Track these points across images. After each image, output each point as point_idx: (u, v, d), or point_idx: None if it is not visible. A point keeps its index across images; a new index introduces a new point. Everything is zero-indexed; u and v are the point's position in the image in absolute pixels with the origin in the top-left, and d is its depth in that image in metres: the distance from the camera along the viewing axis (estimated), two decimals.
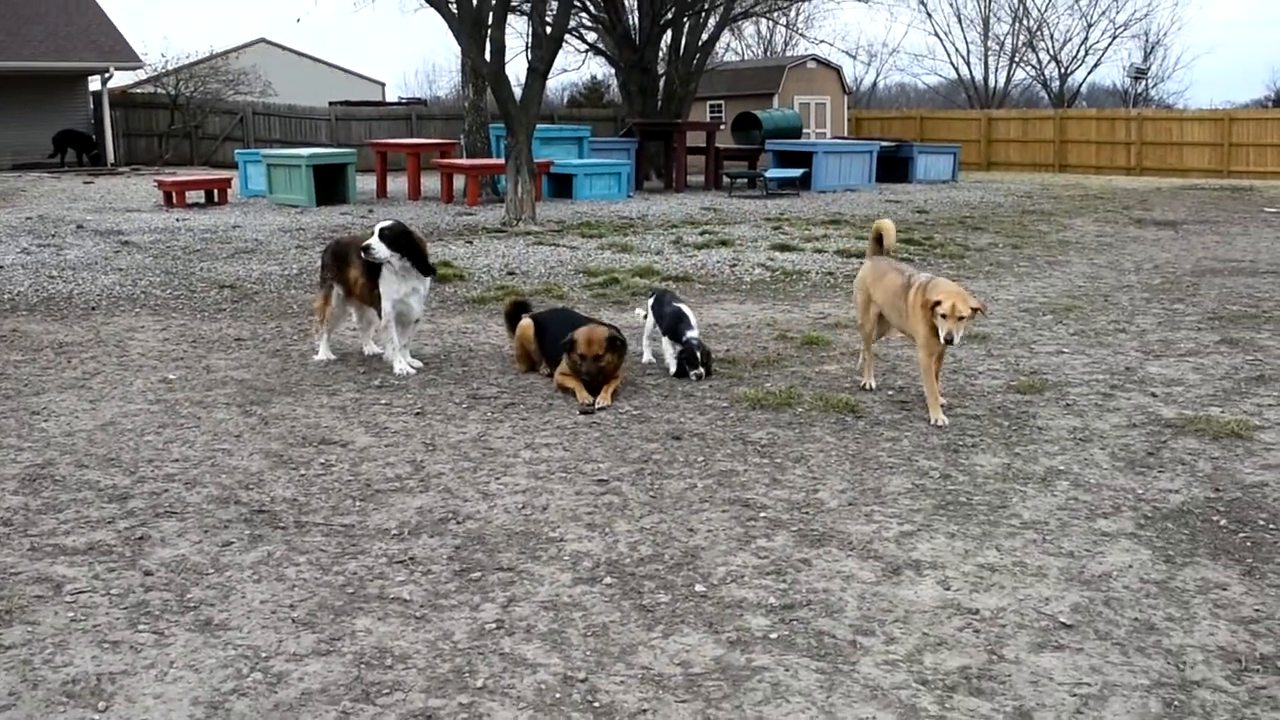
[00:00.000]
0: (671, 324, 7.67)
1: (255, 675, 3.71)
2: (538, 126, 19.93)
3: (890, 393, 7.14)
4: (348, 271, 7.91)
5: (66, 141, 30.75)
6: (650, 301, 7.99)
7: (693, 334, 7.56)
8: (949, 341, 6.14)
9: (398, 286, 7.60)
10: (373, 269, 7.65)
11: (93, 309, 9.94)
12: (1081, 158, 34.15)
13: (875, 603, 4.20)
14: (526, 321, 7.75)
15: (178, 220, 16.49)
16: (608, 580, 4.41)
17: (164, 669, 3.74)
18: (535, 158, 19.11)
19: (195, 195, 19.27)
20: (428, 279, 7.77)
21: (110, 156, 32.21)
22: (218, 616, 4.12)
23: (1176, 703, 3.49)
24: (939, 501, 5.23)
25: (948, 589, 4.31)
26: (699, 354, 7.49)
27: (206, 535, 4.89)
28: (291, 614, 4.13)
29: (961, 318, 6.12)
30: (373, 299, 7.79)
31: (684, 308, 7.81)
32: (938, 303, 6.15)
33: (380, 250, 7.42)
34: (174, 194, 18.75)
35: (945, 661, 3.76)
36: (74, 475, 5.66)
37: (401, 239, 7.53)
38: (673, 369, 7.60)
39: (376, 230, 7.53)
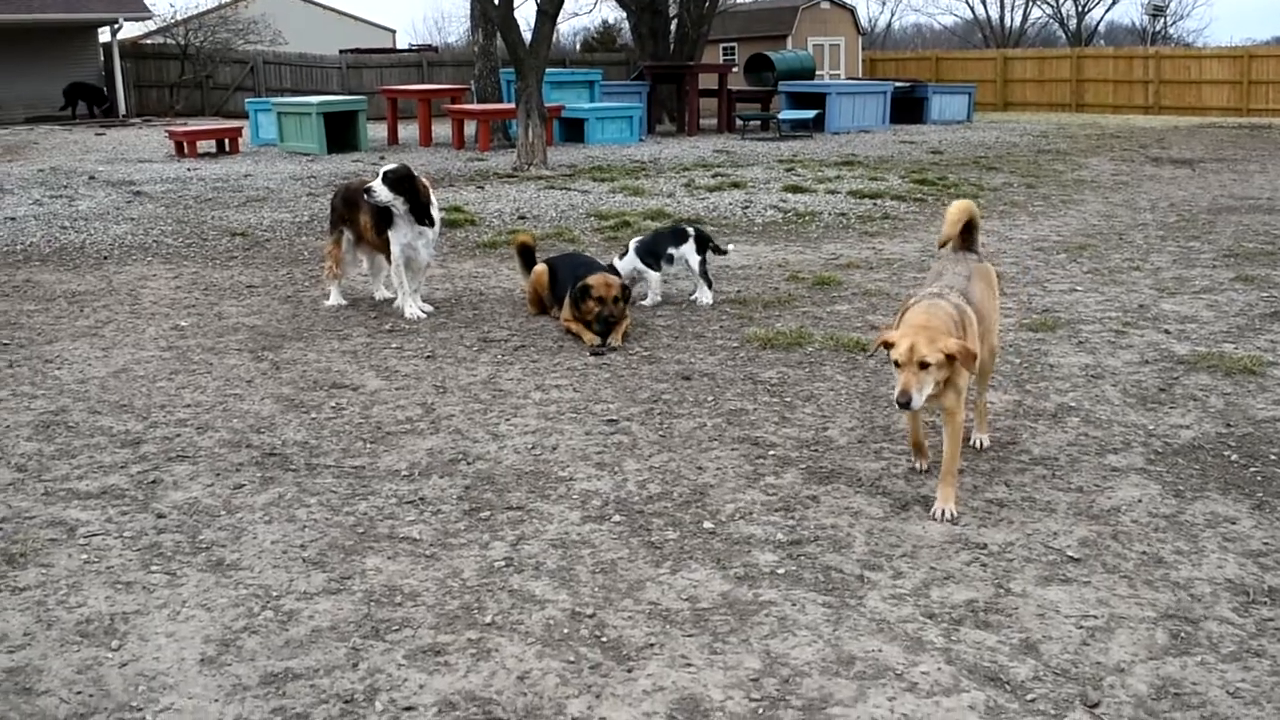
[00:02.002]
0: (651, 246, 7.95)
1: (266, 614, 3.74)
2: (548, 71, 19.78)
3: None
4: (358, 216, 7.89)
5: (77, 94, 30.66)
6: (634, 244, 8.05)
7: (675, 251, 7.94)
8: (903, 404, 4.10)
9: (405, 231, 7.58)
10: (382, 214, 7.63)
11: (105, 258, 9.96)
12: (1099, 97, 33.76)
13: (883, 538, 4.21)
14: (540, 266, 7.74)
15: (189, 170, 16.46)
16: (616, 518, 4.43)
17: (176, 608, 3.78)
18: (546, 102, 18.98)
19: (206, 145, 19.22)
20: (436, 224, 7.74)
21: (122, 108, 32.13)
22: (229, 557, 4.16)
23: (1183, 634, 3.49)
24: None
25: (955, 524, 4.31)
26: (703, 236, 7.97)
27: (218, 478, 4.92)
28: (302, 554, 4.16)
29: (926, 365, 4.06)
30: (382, 244, 7.77)
31: (632, 242, 8.15)
32: (891, 344, 4.21)
33: (382, 193, 7.39)
34: (185, 144, 18.71)
35: (952, 595, 3.76)
36: (87, 421, 5.69)
37: (404, 182, 7.50)
38: (652, 300, 7.99)
39: (380, 173, 7.50)
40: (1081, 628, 3.54)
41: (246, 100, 23.17)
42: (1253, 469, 4.83)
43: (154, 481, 4.89)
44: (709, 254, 7.93)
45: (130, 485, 4.86)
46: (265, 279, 9.08)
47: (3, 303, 8.33)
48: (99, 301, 8.32)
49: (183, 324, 7.62)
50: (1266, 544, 4.11)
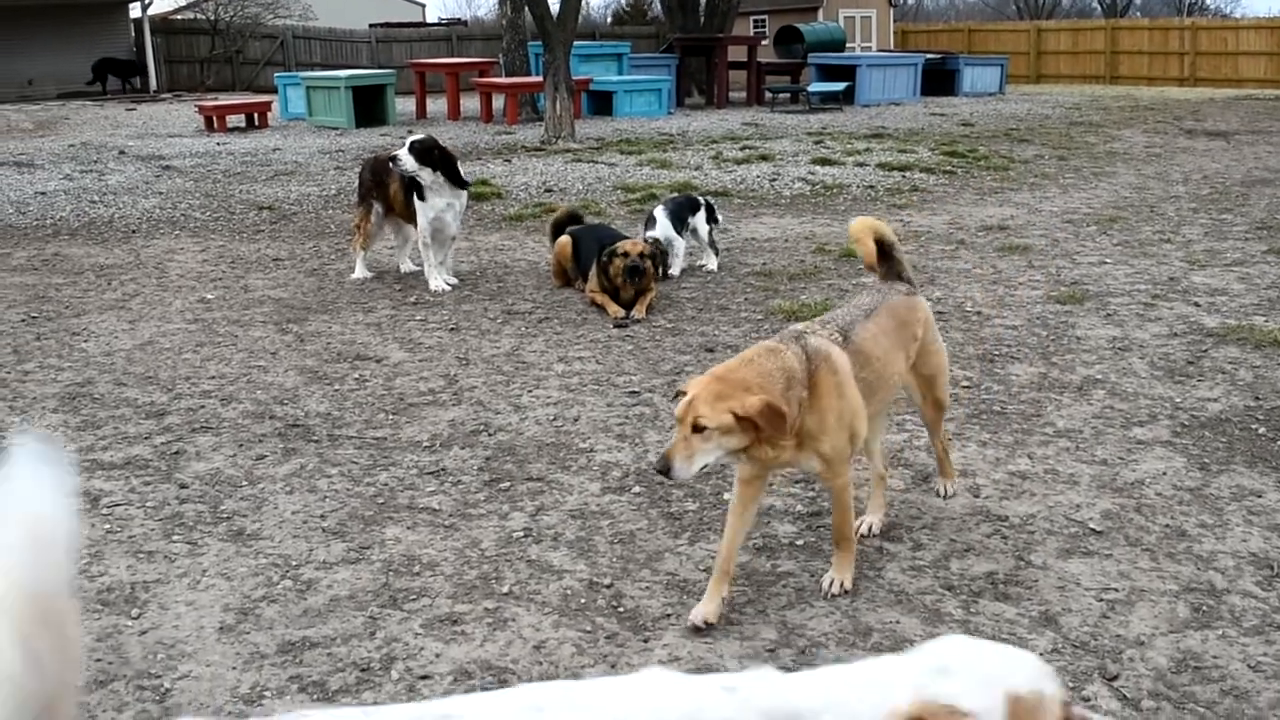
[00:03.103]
0: (677, 213, 8.08)
1: (285, 583, 3.76)
2: (577, 44, 19.69)
3: (928, 304, 7.03)
4: (388, 188, 7.90)
5: (106, 69, 30.78)
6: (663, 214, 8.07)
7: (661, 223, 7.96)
8: (659, 470, 3.22)
9: (434, 202, 7.57)
10: (411, 185, 7.63)
11: (133, 232, 10.01)
12: (1133, 69, 33.32)
13: (904, 510, 4.18)
14: (564, 238, 7.72)
15: (218, 144, 16.52)
16: (636, 489, 4.42)
17: (196, 577, 3.81)
18: (574, 75, 18.92)
19: (236, 119, 19.27)
20: (464, 194, 7.74)
21: (153, 83, 32.24)
22: (250, 527, 4.18)
23: (1205, 608, 3.46)
24: (972, 410, 5.18)
25: (977, 496, 4.28)
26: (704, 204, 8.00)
27: (241, 449, 4.95)
28: (322, 524, 4.18)
29: (703, 428, 3.14)
30: (411, 215, 7.78)
31: (659, 210, 8.15)
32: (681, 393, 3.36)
33: (408, 162, 7.39)
34: (214, 118, 18.77)
35: (972, 567, 3.74)
36: (112, 393, 5.73)
37: (432, 153, 7.49)
38: (678, 268, 7.96)
39: (406, 143, 7.50)
40: (1102, 600, 3.51)
41: (276, 75, 23.19)
42: None
43: (177, 453, 4.92)
44: (714, 224, 8.21)
45: (154, 456, 4.89)
46: (291, 252, 9.11)
47: (32, 276, 8.39)
48: (126, 275, 8.37)
49: (209, 297, 7.66)
50: None
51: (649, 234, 7.77)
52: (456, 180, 7.62)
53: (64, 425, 5.28)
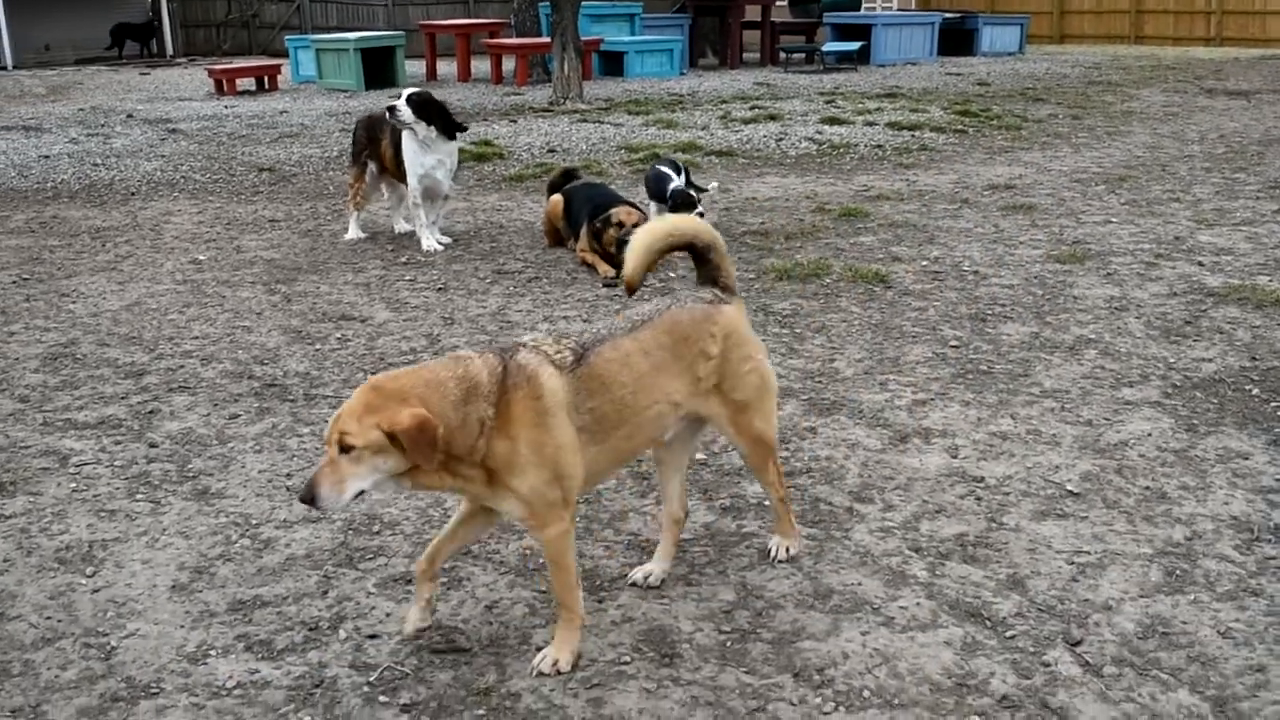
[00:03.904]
0: (655, 187, 7.70)
1: (243, 541, 3.71)
2: (588, 4, 19.49)
3: (925, 263, 6.93)
4: (380, 145, 7.81)
5: (124, 34, 30.70)
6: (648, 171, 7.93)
7: (677, 184, 7.55)
8: (306, 500, 2.73)
9: (423, 160, 7.48)
10: (399, 145, 7.54)
11: (132, 194, 9.96)
12: (1158, 28, 32.73)
13: (877, 470, 4.09)
14: (556, 197, 7.62)
15: (226, 107, 16.44)
16: None
17: (155, 536, 3.76)
18: (585, 35, 18.73)
19: (246, 83, 19.17)
20: (455, 151, 7.64)
21: (169, 48, 32.17)
22: (215, 486, 4.13)
23: (1179, 572, 3.36)
24: (958, 370, 5.08)
25: (955, 457, 4.18)
26: (689, 195, 7.47)
27: (215, 408, 4.89)
28: (287, 483, 4.12)
29: (350, 448, 2.66)
30: (403, 174, 7.68)
31: (664, 167, 7.83)
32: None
33: (405, 113, 7.29)
34: (224, 82, 18.67)
35: (942, 529, 3.65)
36: (95, 353, 5.68)
37: (428, 105, 7.41)
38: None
39: (403, 94, 7.40)
40: (1073, 564, 3.42)
41: (287, 38, 23.06)
42: (1274, 404, 4.65)
43: (152, 412, 4.88)
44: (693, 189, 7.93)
45: (128, 415, 4.85)
46: (288, 213, 9.04)
47: (28, 238, 8.35)
48: (121, 237, 8.32)
49: (201, 258, 7.60)
50: (1278, 480, 3.95)
51: (673, 186, 7.54)
52: (451, 130, 7.51)
53: (43, 385, 5.24)
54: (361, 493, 2.73)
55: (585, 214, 7.06)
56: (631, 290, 3.28)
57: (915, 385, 4.90)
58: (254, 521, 3.84)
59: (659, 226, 3.25)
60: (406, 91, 7.51)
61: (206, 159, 11.60)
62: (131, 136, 13.39)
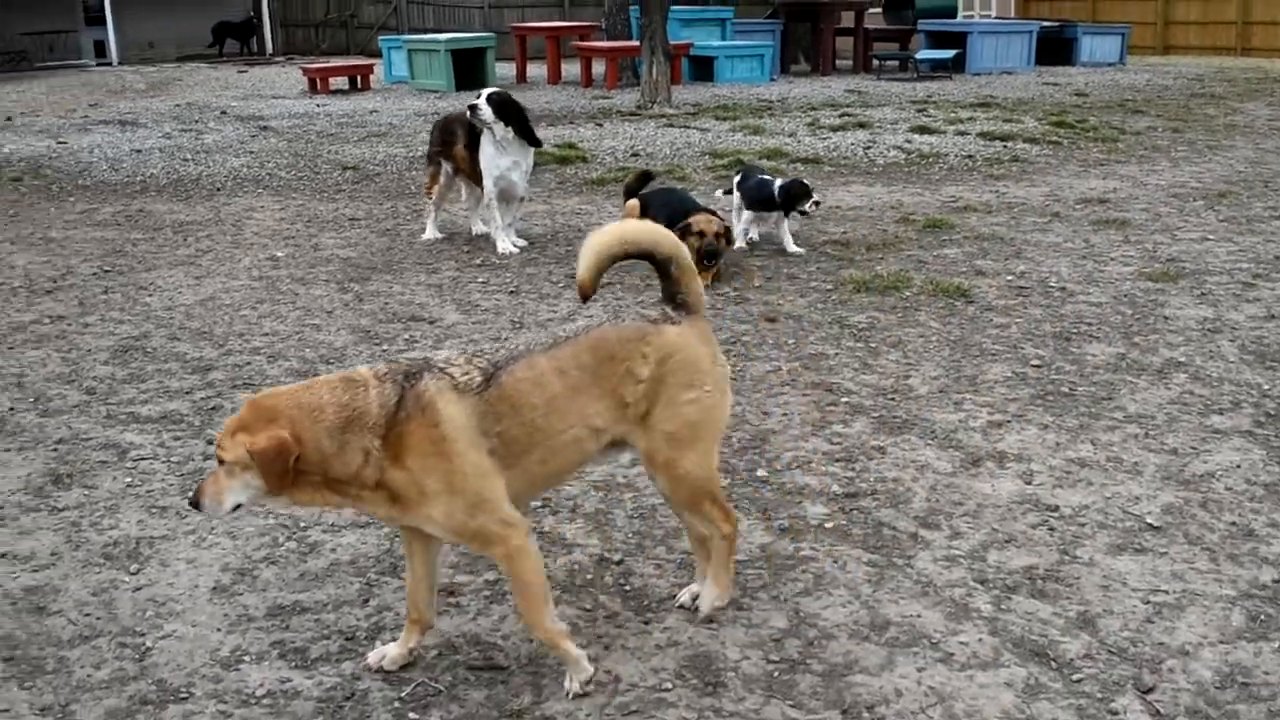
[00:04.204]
0: (756, 192, 7.53)
1: (290, 544, 3.65)
2: (680, 9, 19.39)
3: (1009, 278, 6.70)
4: (455, 147, 7.78)
5: (224, 32, 31.32)
6: (737, 179, 7.71)
7: (783, 182, 7.47)
8: (192, 504, 2.76)
9: (498, 161, 7.43)
10: (477, 145, 7.50)
11: (218, 190, 10.07)
12: (1268, 40, 31.68)
13: (946, 495, 3.91)
14: (633, 201, 7.51)
15: (318, 105, 16.62)
16: None
17: (203, 535, 3.72)
18: (675, 40, 18.62)
19: (339, 82, 19.37)
20: (531, 153, 7.58)
21: (269, 47, 32.74)
22: None
23: (1263, 617, 3.14)
24: (1038, 391, 4.86)
25: (1029, 484, 3.99)
26: (799, 186, 7.37)
27: None
28: None
29: (222, 461, 2.65)
30: (477, 175, 7.64)
31: (763, 174, 7.73)
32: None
33: (487, 112, 7.26)
34: (318, 80, 18.89)
35: (1010, 560, 3.47)
36: (164, 347, 5.71)
37: (507, 106, 7.37)
38: (789, 246, 7.44)
39: (484, 94, 7.37)
40: (1148, 603, 3.21)
41: (381, 38, 23.30)
42: None
43: (214, 408, 4.86)
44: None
45: (190, 411, 4.84)
46: (369, 212, 9.06)
47: (113, 230, 8.47)
48: (203, 231, 8.40)
49: (278, 254, 7.63)
50: None
51: (779, 182, 7.45)
52: (528, 136, 7.47)
53: (110, 378, 5.26)
54: (238, 506, 2.67)
55: (663, 219, 6.91)
56: (584, 296, 3.04)
57: (992, 406, 4.71)
58: (302, 524, 3.78)
59: (613, 230, 2.99)
60: (487, 91, 7.48)
61: (293, 156, 11.70)
62: (223, 132, 13.58)
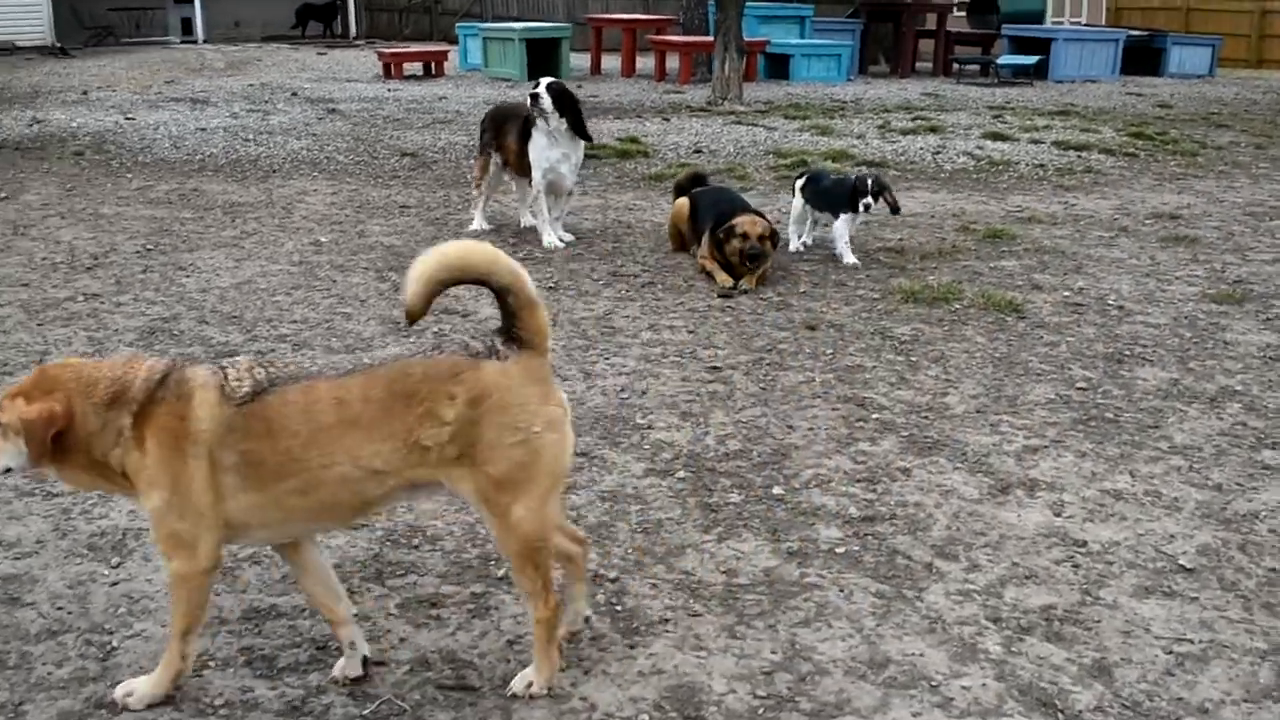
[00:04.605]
0: (829, 195, 7.18)
1: None
2: (758, 5, 19.13)
3: (1066, 294, 6.43)
4: (505, 138, 7.68)
5: (308, 14, 31.61)
6: (800, 182, 7.43)
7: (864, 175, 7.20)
8: None
9: (548, 154, 7.30)
10: (526, 137, 7.38)
11: (274, 171, 10.06)
12: None
13: (968, 523, 3.70)
14: (682, 200, 7.35)
15: (389, 90, 16.64)
16: (681, 474, 4.06)
17: None
18: (753, 36, 18.37)
19: (413, 67, 19.40)
20: (581, 146, 7.45)
21: (352, 29, 32.99)
22: None
23: None
24: (1081, 415, 4.62)
25: (1058, 515, 3.77)
26: (879, 184, 7.06)
27: None
28: None
29: (3, 424, 2.60)
30: (525, 168, 7.52)
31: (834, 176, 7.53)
32: None
33: (546, 101, 7.15)
34: (392, 65, 18.93)
35: (1028, 598, 3.26)
36: (192, 330, 5.65)
37: (565, 97, 7.27)
38: (846, 257, 7.10)
39: (544, 83, 7.25)
40: (1171, 653, 2.99)
41: (457, 25, 23.31)
42: None
43: None
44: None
45: None
46: (421, 200, 8.98)
47: (164, 209, 8.48)
48: (252, 213, 8.37)
49: (322, 239, 7.58)
50: None
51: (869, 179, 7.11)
52: (580, 130, 7.34)
53: None
54: (9, 469, 2.63)
55: (710, 220, 6.76)
56: (411, 320, 2.76)
57: (1030, 429, 4.48)
58: None
59: (439, 253, 2.67)
60: (546, 80, 7.36)
61: (354, 140, 11.69)
62: (291, 114, 13.62)
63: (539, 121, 7.25)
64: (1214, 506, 3.83)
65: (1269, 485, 4.00)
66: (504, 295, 2.71)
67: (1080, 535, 3.62)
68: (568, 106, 7.27)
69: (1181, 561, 3.45)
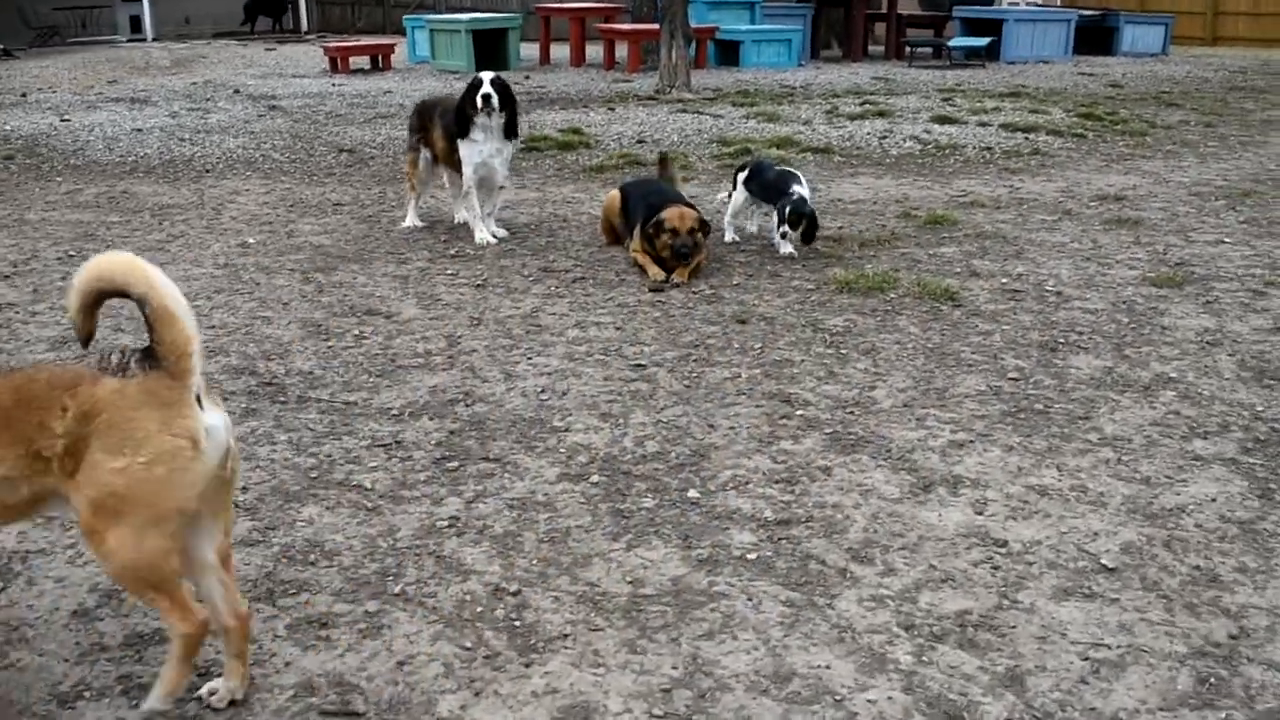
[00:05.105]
0: (777, 186, 6.94)
1: None
2: None
3: (1004, 280, 6.34)
4: (432, 133, 7.51)
5: (257, 9, 31.20)
6: (743, 175, 7.25)
7: (802, 190, 6.82)
8: None
9: (480, 149, 7.14)
10: (452, 132, 7.22)
11: (207, 171, 9.85)
12: None
13: (887, 524, 3.59)
14: (614, 192, 7.21)
15: (334, 85, 16.40)
16: (595, 478, 3.93)
17: (82, 550, 3.46)
18: (701, 22, 18.24)
19: (360, 61, 19.16)
20: (511, 142, 7.29)
21: (303, 24, 32.61)
22: None
23: (1213, 680, 2.80)
24: (1010, 408, 4.52)
25: (980, 513, 3.66)
26: (798, 214, 6.68)
27: None
28: (239, 498, 3.79)
29: None
30: (455, 162, 7.37)
31: (792, 169, 7.20)
32: None
33: (496, 101, 6.98)
34: (338, 60, 18.69)
35: (943, 603, 3.15)
36: (107, 339, 5.45)
37: (508, 93, 7.11)
38: (783, 247, 6.89)
39: (488, 79, 7.07)
40: (1087, 659, 2.89)
41: (405, 17, 23.04)
42: None
43: None
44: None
45: None
46: (355, 197, 8.81)
47: (90, 213, 8.27)
48: (181, 215, 8.17)
49: (250, 241, 7.39)
50: None
51: (800, 190, 6.78)
52: (512, 128, 7.19)
53: None
54: None
55: (641, 213, 6.62)
56: (82, 338, 2.63)
57: (957, 423, 4.37)
58: None
59: (91, 263, 2.52)
60: (489, 75, 7.18)
61: (292, 138, 11.48)
62: (231, 112, 13.38)
63: (476, 118, 7.08)
64: (1140, 501, 3.73)
65: (1198, 477, 3.90)
66: (142, 308, 2.50)
67: (1001, 534, 3.51)
68: (507, 104, 7.12)
69: (1104, 561, 3.35)
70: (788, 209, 6.68)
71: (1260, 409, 4.50)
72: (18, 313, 5.90)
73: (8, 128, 12.16)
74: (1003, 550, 3.42)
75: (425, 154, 7.63)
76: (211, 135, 11.56)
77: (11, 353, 5.27)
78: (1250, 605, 3.12)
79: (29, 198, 8.80)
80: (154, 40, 27.86)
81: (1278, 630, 3.00)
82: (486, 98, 6.98)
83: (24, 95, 15.45)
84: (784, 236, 6.80)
